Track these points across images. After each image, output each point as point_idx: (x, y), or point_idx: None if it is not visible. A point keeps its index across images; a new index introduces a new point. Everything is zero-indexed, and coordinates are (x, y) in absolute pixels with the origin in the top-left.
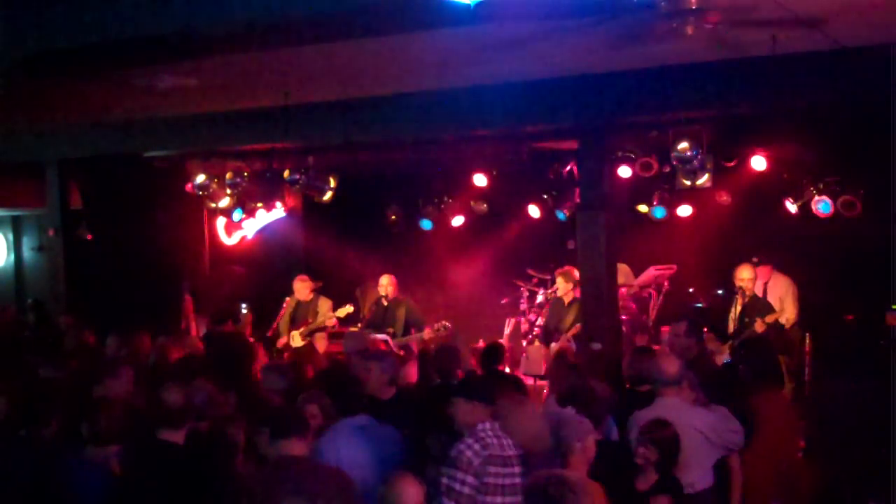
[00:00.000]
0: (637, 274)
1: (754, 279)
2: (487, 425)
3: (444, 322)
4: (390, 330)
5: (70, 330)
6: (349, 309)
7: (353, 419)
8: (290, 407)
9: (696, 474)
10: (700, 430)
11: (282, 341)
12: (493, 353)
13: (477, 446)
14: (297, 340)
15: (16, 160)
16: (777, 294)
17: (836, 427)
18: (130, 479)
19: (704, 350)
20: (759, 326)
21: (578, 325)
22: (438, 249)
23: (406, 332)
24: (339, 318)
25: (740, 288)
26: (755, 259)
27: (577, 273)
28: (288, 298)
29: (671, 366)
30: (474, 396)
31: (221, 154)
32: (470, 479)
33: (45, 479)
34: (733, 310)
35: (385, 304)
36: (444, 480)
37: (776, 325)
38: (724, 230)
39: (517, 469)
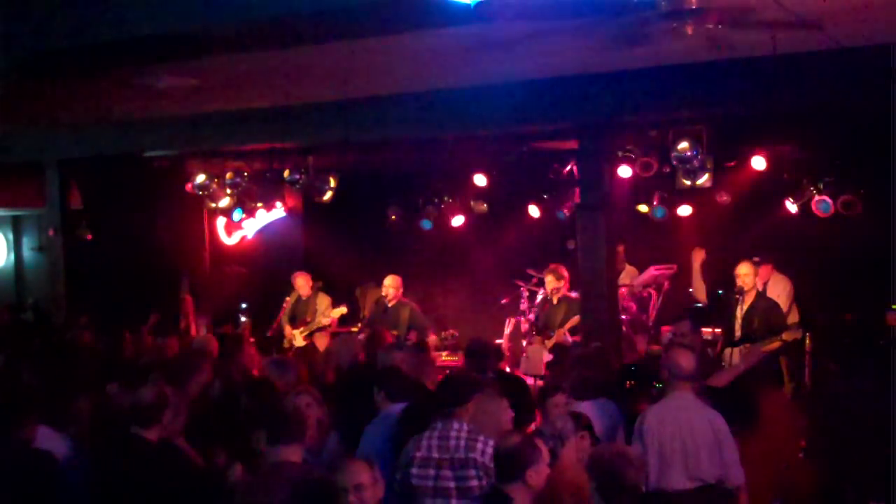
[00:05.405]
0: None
1: (753, 275)
2: (439, 425)
3: (451, 330)
4: (394, 332)
5: (81, 330)
6: (343, 310)
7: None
8: (290, 409)
9: (710, 469)
10: (714, 426)
11: (287, 335)
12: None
13: (410, 447)
14: (298, 340)
15: (16, 160)
16: (775, 294)
17: (836, 427)
18: (102, 476)
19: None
20: (785, 337)
21: (575, 319)
22: (438, 249)
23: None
24: (334, 319)
25: (740, 287)
26: (756, 259)
27: (564, 271)
28: (288, 298)
29: (687, 360)
30: (446, 400)
31: (221, 154)
32: (398, 476)
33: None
34: (739, 309)
35: (386, 305)
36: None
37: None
38: (724, 230)
39: (463, 473)
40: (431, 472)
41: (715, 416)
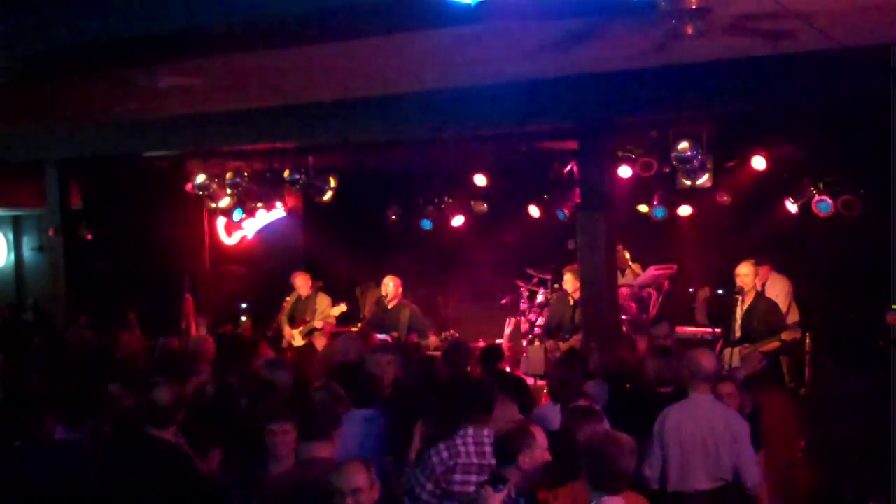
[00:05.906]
0: None
1: (753, 275)
2: (471, 431)
3: (451, 331)
4: (394, 334)
5: (82, 330)
6: (343, 308)
7: (364, 411)
8: (320, 407)
9: (731, 469)
10: (732, 426)
11: (286, 336)
12: (493, 355)
13: (445, 454)
14: (297, 340)
15: (16, 160)
16: (773, 294)
17: (836, 427)
18: (119, 474)
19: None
20: (784, 336)
21: None
22: (438, 249)
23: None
24: (335, 317)
25: (740, 287)
26: (754, 259)
27: None
28: (288, 298)
29: (708, 361)
30: (475, 408)
31: (221, 154)
32: (429, 485)
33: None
34: (738, 309)
35: (387, 305)
36: (412, 481)
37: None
38: (724, 230)
39: None
40: (473, 477)
41: (734, 416)
